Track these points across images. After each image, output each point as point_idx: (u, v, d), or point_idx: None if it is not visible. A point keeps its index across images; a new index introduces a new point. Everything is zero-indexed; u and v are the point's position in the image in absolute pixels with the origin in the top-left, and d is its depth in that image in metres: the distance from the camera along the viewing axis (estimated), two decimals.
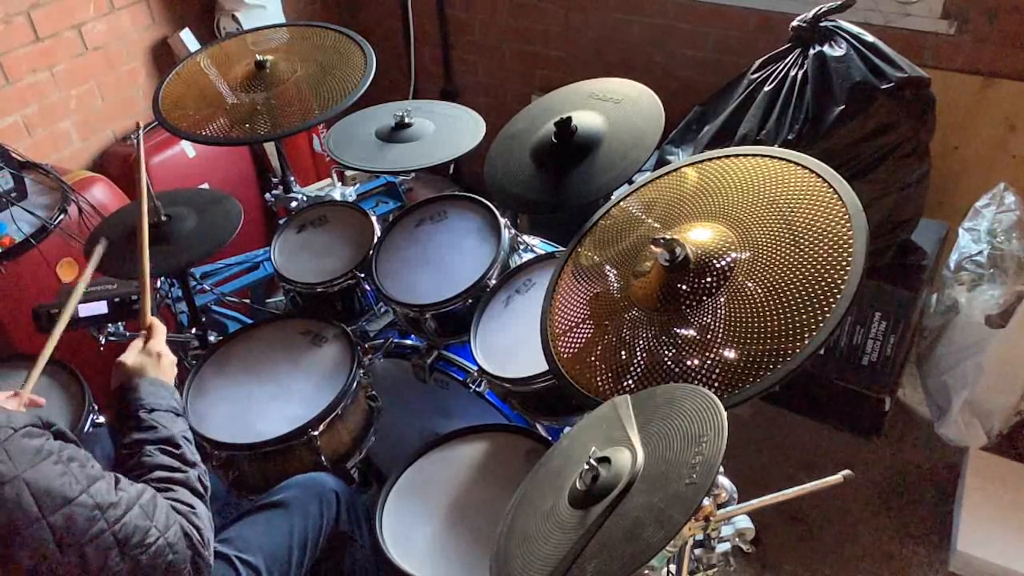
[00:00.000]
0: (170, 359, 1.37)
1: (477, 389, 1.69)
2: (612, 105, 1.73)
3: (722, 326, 1.16)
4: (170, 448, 1.20)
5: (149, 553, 1.03)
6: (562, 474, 1.10)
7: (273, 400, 1.64)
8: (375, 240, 1.86)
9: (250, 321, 2.07)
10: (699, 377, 1.14)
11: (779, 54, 2.15)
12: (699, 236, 1.26)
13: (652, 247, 1.24)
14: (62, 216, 2.19)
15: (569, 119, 1.66)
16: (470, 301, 1.71)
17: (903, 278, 2.13)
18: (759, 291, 1.15)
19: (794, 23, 2.10)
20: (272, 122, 1.92)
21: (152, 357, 1.33)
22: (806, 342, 1.08)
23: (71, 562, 0.98)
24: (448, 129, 1.98)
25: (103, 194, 2.34)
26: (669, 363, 1.18)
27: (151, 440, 1.20)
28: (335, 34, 2.09)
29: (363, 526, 1.51)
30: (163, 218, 1.78)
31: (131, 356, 1.32)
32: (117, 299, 1.76)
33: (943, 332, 2.25)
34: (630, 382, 1.21)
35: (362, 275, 1.83)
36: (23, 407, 1.32)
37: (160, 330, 1.39)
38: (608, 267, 1.39)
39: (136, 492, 1.07)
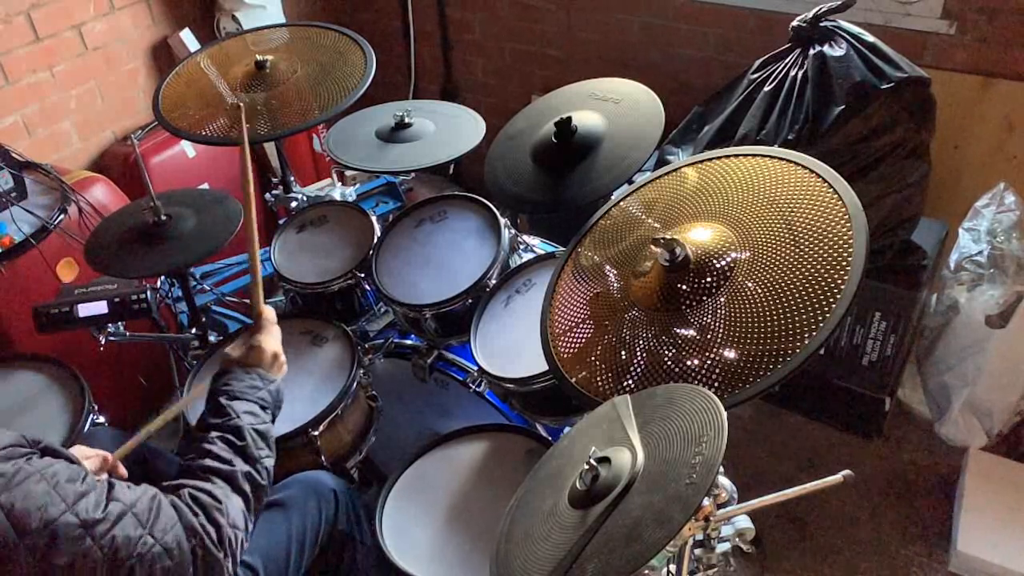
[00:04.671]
0: (273, 350, 1.32)
1: (477, 389, 1.69)
2: (612, 105, 1.73)
3: (722, 326, 1.16)
4: (233, 438, 1.17)
5: (143, 562, 0.99)
6: (562, 474, 1.10)
7: None
8: (375, 240, 1.86)
9: (250, 321, 2.06)
10: (699, 377, 1.14)
11: (779, 54, 2.15)
12: (699, 236, 1.26)
13: (652, 247, 1.24)
14: (62, 216, 2.19)
15: (569, 119, 1.66)
16: (470, 301, 1.71)
17: (903, 278, 2.13)
18: (759, 291, 1.15)
19: (794, 23, 2.10)
20: (272, 122, 1.92)
21: (254, 350, 1.30)
22: (806, 342, 1.08)
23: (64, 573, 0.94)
24: (448, 129, 1.98)
25: (103, 194, 2.34)
26: (669, 363, 1.18)
27: (218, 426, 1.18)
28: (335, 34, 2.09)
29: (362, 525, 1.51)
30: (163, 218, 1.78)
31: (233, 347, 1.30)
32: (117, 299, 1.76)
33: (943, 332, 2.25)
34: (630, 382, 1.21)
35: (362, 275, 1.83)
36: (105, 471, 1.29)
37: (271, 323, 1.36)
38: (608, 267, 1.39)
39: (131, 499, 1.03)
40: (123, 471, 1.33)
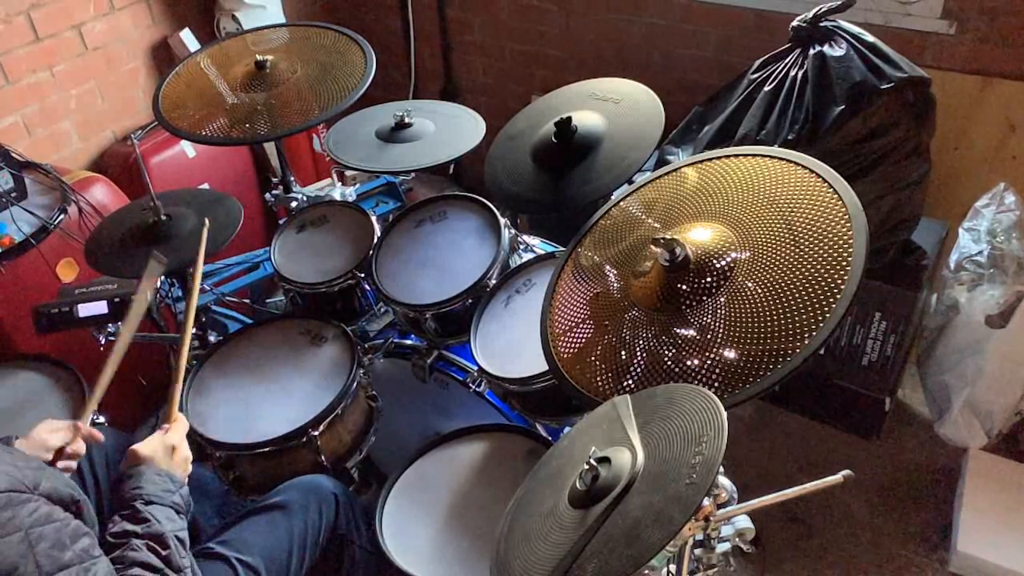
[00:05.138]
0: (184, 455, 1.31)
1: (477, 389, 1.69)
2: (612, 105, 1.73)
3: (722, 326, 1.16)
4: (157, 547, 1.13)
5: None
6: (562, 474, 1.10)
7: (273, 400, 1.64)
8: (375, 240, 1.86)
9: (250, 321, 2.07)
10: (699, 377, 1.14)
11: (779, 54, 2.15)
12: (699, 236, 1.26)
13: (652, 247, 1.24)
14: (62, 216, 2.19)
15: (569, 119, 1.66)
16: (470, 301, 1.71)
17: (903, 278, 2.13)
18: (759, 291, 1.15)
19: (794, 23, 2.10)
20: (272, 122, 1.92)
21: (166, 449, 1.27)
22: (806, 342, 1.08)
23: None
24: (448, 129, 1.98)
25: (103, 194, 2.34)
26: (669, 363, 1.18)
27: (140, 534, 1.13)
28: (335, 34, 2.09)
29: (361, 528, 1.51)
30: (163, 218, 1.77)
31: (145, 445, 1.26)
32: (117, 299, 1.76)
33: (943, 332, 2.25)
34: (630, 382, 1.21)
35: (362, 275, 1.83)
36: (79, 440, 1.28)
37: (181, 425, 1.34)
38: (608, 267, 1.39)
39: None
40: (98, 435, 1.32)
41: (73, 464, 1.29)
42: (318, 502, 1.46)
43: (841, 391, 2.31)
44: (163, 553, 1.13)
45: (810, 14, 2.07)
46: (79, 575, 0.98)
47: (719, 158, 1.39)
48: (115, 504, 1.19)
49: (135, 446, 1.26)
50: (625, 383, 1.22)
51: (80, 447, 1.29)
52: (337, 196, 2.20)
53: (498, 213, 1.80)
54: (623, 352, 1.25)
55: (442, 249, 1.82)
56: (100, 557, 1.04)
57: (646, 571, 1.03)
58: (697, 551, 1.10)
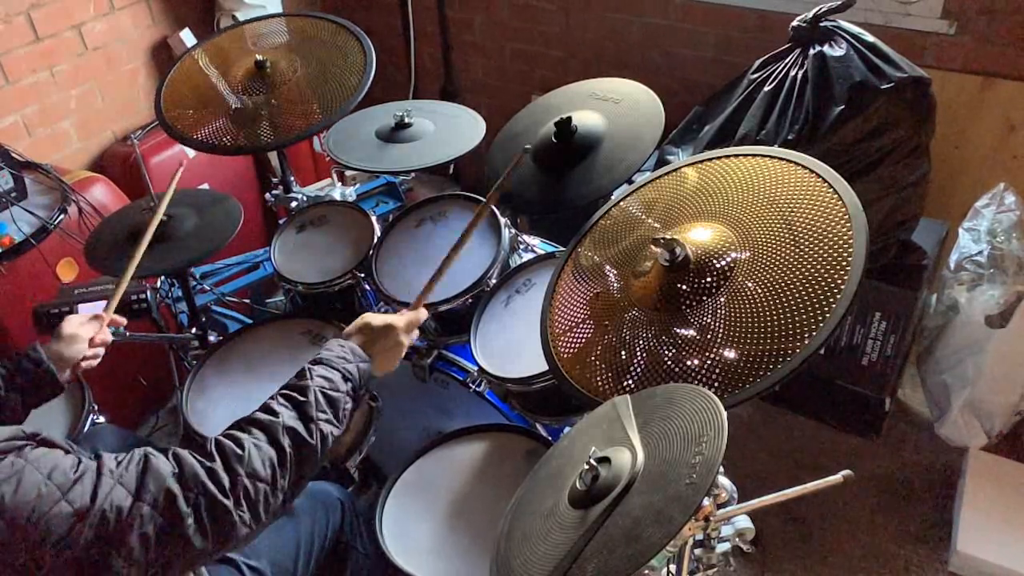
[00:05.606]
0: (396, 341, 1.29)
1: (477, 389, 1.69)
2: (612, 105, 1.73)
3: (722, 326, 1.16)
4: (296, 395, 1.13)
5: (134, 528, 0.95)
6: (562, 474, 1.10)
7: None
8: (375, 240, 1.86)
9: (250, 321, 2.07)
10: (699, 377, 1.14)
11: (779, 54, 2.15)
12: (699, 236, 1.26)
13: (652, 247, 1.24)
14: (62, 216, 2.19)
15: (569, 119, 1.66)
16: (470, 301, 1.71)
17: (903, 278, 2.13)
18: (759, 291, 1.15)
19: (794, 23, 2.10)
20: (275, 126, 1.92)
21: (379, 332, 1.28)
22: (806, 342, 1.08)
23: (58, 562, 0.93)
24: (448, 129, 1.98)
25: (103, 194, 2.34)
26: (669, 363, 1.18)
27: (290, 385, 1.15)
28: (333, 27, 2.07)
29: (364, 534, 1.52)
30: (163, 218, 1.77)
31: (378, 318, 1.28)
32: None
33: (943, 332, 2.25)
34: (630, 382, 1.21)
35: (362, 275, 1.83)
36: (106, 328, 1.39)
37: (417, 317, 1.35)
38: (608, 267, 1.39)
39: (119, 472, 0.99)
40: (120, 319, 1.46)
41: (101, 351, 1.46)
42: (324, 508, 1.47)
43: (841, 391, 2.31)
44: (298, 399, 1.11)
45: (810, 14, 2.07)
46: (91, 480, 0.97)
47: (719, 158, 1.39)
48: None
49: (370, 316, 1.29)
50: (625, 383, 1.22)
51: (107, 335, 1.41)
52: (337, 196, 2.20)
53: (498, 213, 1.80)
54: (623, 352, 1.25)
55: (442, 249, 1.81)
56: (96, 457, 1.02)
57: (646, 571, 1.03)
58: (697, 551, 1.10)
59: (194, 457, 1.02)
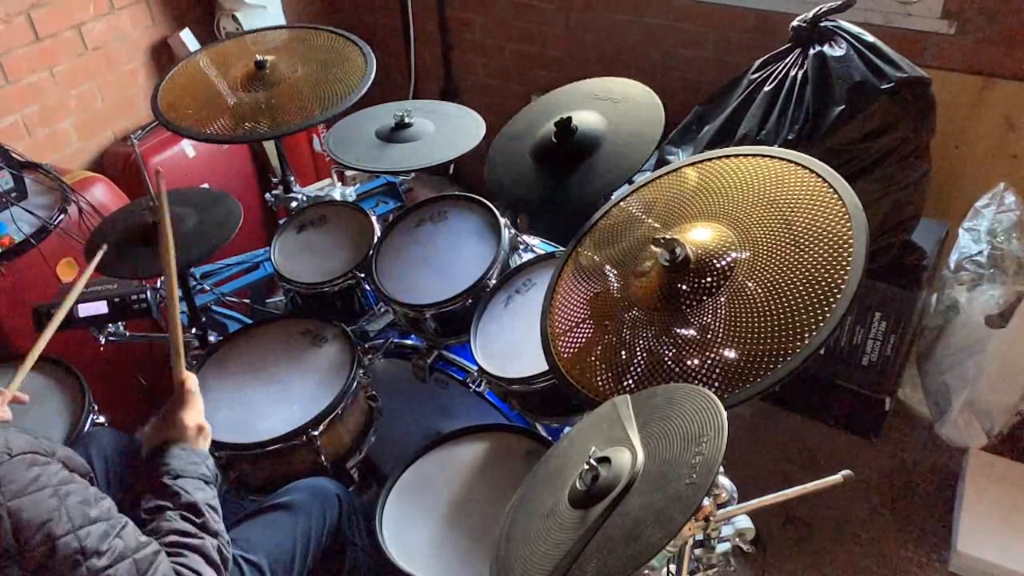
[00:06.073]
0: (201, 425, 1.29)
1: (477, 389, 1.69)
2: (612, 105, 1.72)
3: (722, 326, 1.16)
4: (191, 516, 1.15)
5: None
6: (562, 474, 1.10)
7: (273, 400, 1.64)
8: (375, 240, 1.86)
9: (250, 321, 2.07)
10: (699, 377, 1.14)
11: (779, 54, 2.15)
12: (699, 236, 1.26)
13: (652, 247, 1.24)
14: (62, 216, 2.19)
15: (569, 119, 1.66)
16: (470, 301, 1.71)
17: (903, 278, 2.13)
18: (759, 291, 1.15)
19: (794, 23, 2.10)
20: (272, 121, 1.92)
21: (184, 425, 1.26)
22: (806, 342, 1.08)
23: None
24: (448, 129, 1.98)
25: (103, 194, 2.34)
26: (669, 363, 1.18)
27: (172, 506, 1.15)
28: (335, 36, 2.09)
29: (362, 530, 1.52)
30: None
31: (160, 425, 1.26)
32: (117, 299, 1.76)
33: (943, 332, 2.25)
34: (630, 382, 1.21)
35: (362, 275, 1.83)
36: (5, 406, 1.31)
37: (193, 394, 1.31)
38: (608, 267, 1.39)
39: (135, 545, 1.02)
40: (23, 397, 1.38)
41: None
42: (322, 504, 1.47)
43: (841, 391, 2.31)
44: (198, 520, 1.15)
45: (810, 14, 2.07)
46: (108, 531, 1.00)
47: (719, 158, 1.39)
48: (143, 487, 1.20)
49: (151, 425, 1.26)
50: (625, 383, 1.22)
51: (6, 413, 1.33)
52: (337, 196, 2.20)
53: (498, 213, 1.80)
54: (623, 352, 1.25)
55: (442, 249, 1.82)
56: (124, 518, 1.05)
57: (646, 571, 1.03)
58: (697, 551, 1.10)
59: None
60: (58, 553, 0.94)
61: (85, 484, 1.03)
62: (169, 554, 1.09)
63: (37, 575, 0.94)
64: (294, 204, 2.18)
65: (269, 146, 2.88)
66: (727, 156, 1.38)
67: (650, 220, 1.40)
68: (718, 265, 1.21)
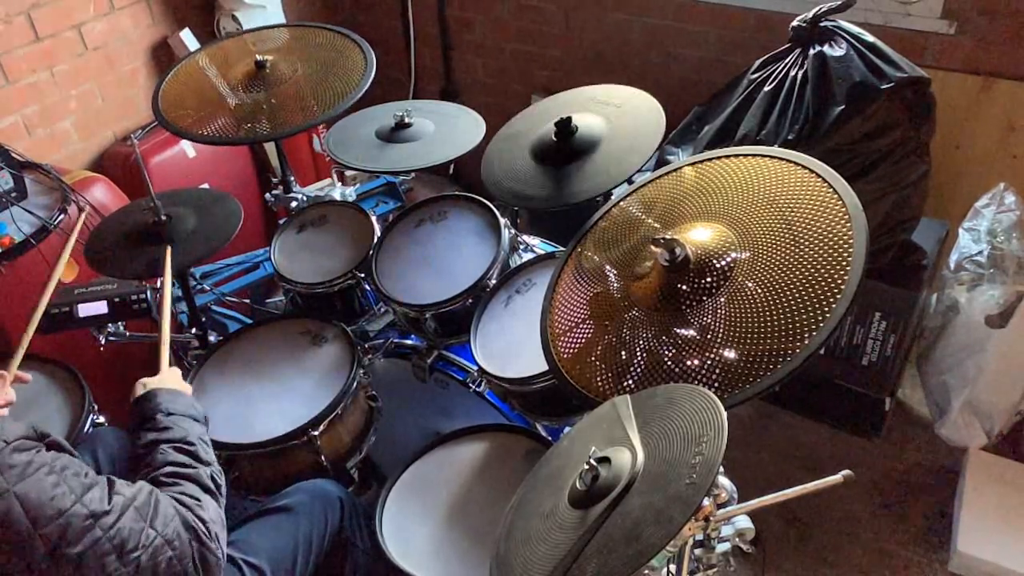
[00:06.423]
0: (184, 385, 1.39)
1: (477, 389, 1.69)
2: (613, 109, 1.73)
3: (722, 326, 1.16)
4: (184, 446, 1.22)
5: (148, 553, 1.04)
6: (562, 474, 1.10)
7: (273, 400, 1.64)
8: (375, 240, 1.86)
9: (250, 321, 2.07)
10: (699, 377, 1.14)
11: (779, 54, 2.15)
12: (699, 236, 1.26)
13: (652, 247, 1.24)
14: (62, 216, 2.19)
15: (569, 119, 1.66)
16: (470, 301, 1.71)
17: (903, 278, 2.13)
18: (759, 291, 1.15)
19: (794, 23, 2.10)
20: (273, 121, 1.92)
21: (170, 379, 1.37)
22: (806, 342, 1.08)
23: (67, 573, 0.98)
24: (448, 129, 1.98)
25: (103, 194, 2.34)
26: (669, 363, 1.18)
27: (165, 440, 1.22)
28: (334, 34, 2.09)
29: (363, 530, 1.52)
30: (163, 218, 1.77)
31: (147, 380, 1.35)
32: (117, 299, 1.76)
33: (943, 332, 2.25)
34: (630, 382, 1.21)
35: (362, 275, 1.83)
36: (8, 386, 1.34)
37: (176, 371, 1.42)
38: (608, 267, 1.39)
39: (131, 494, 1.08)
40: (26, 376, 1.41)
41: (5, 412, 1.34)
42: (324, 506, 1.47)
43: (841, 391, 2.31)
44: (189, 450, 1.22)
45: (810, 14, 2.07)
46: (103, 491, 1.05)
47: (719, 158, 1.39)
48: (136, 425, 1.27)
49: (141, 380, 1.35)
50: (625, 383, 1.22)
51: (10, 394, 1.35)
52: (337, 196, 2.20)
53: (498, 213, 1.80)
54: (623, 352, 1.25)
55: (442, 249, 1.82)
56: (104, 476, 1.09)
57: (646, 571, 1.03)
58: (697, 551, 1.10)
59: (180, 504, 1.13)
60: (72, 525, 0.99)
61: (69, 456, 1.07)
62: (167, 484, 1.15)
63: (58, 550, 0.98)
64: (294, 204, 2.18)
65: (269, 146, 2.88)
66: (727, 156, 1.38)
67: (650, 220, 1.40)
68: (718, 265, 1.21)
